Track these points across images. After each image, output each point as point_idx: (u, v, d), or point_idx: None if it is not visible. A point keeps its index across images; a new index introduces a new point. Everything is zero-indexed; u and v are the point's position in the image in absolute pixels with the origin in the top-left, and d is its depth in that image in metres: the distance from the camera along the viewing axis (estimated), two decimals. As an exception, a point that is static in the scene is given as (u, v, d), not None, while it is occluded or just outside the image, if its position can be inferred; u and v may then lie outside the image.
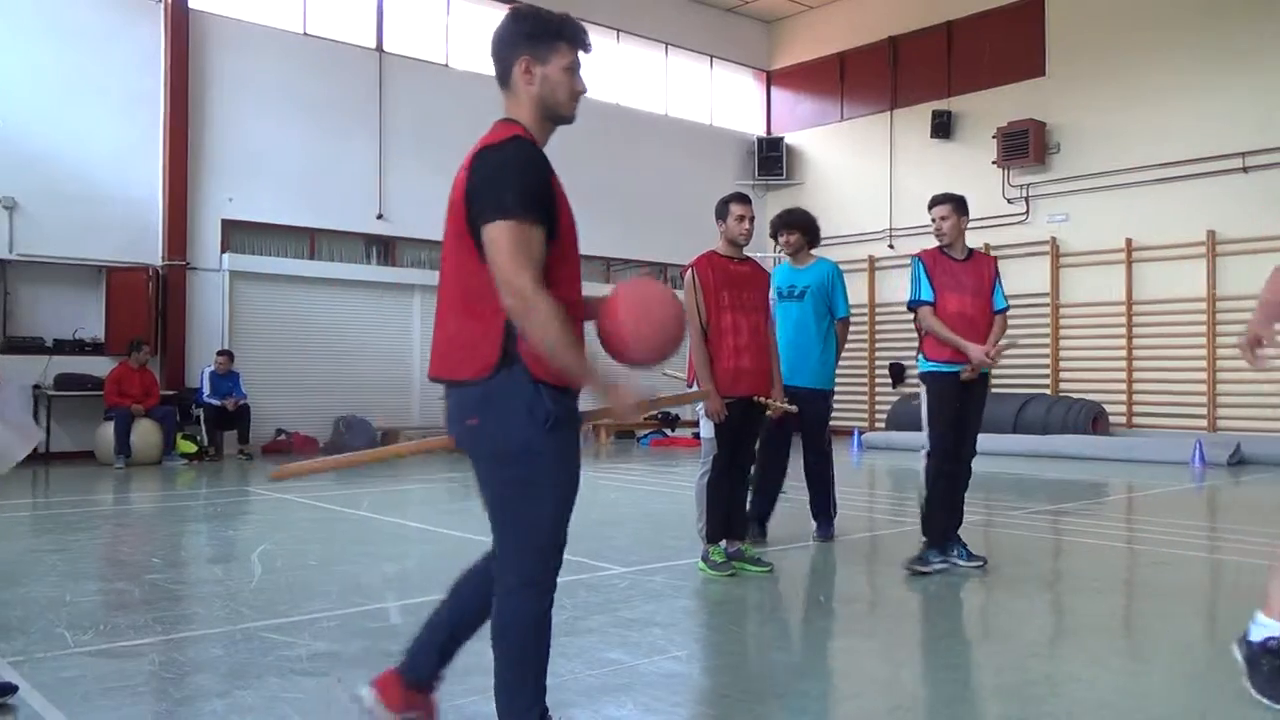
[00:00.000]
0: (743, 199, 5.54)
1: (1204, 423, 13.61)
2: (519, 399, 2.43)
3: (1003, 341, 5.50)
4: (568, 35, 2.59)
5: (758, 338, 5.43)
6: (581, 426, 2.63)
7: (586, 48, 2.63)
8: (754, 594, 5.01)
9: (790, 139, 19.08)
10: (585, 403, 2.57)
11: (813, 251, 6.56)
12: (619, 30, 17.24)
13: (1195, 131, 13.79)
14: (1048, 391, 14.91)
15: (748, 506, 5.84)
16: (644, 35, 17.89)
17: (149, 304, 12.84)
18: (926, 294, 5.49)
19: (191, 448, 12.14)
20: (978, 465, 5.71)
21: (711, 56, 19.04)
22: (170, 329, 12.99)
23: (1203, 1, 13.94)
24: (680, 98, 18.58)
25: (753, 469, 5.86)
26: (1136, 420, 14.33)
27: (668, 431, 15.77)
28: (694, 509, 5.63)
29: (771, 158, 18.88)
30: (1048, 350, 15.11)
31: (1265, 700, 3.13)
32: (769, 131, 19.53)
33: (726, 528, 5.41)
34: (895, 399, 16.16)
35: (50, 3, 12.43)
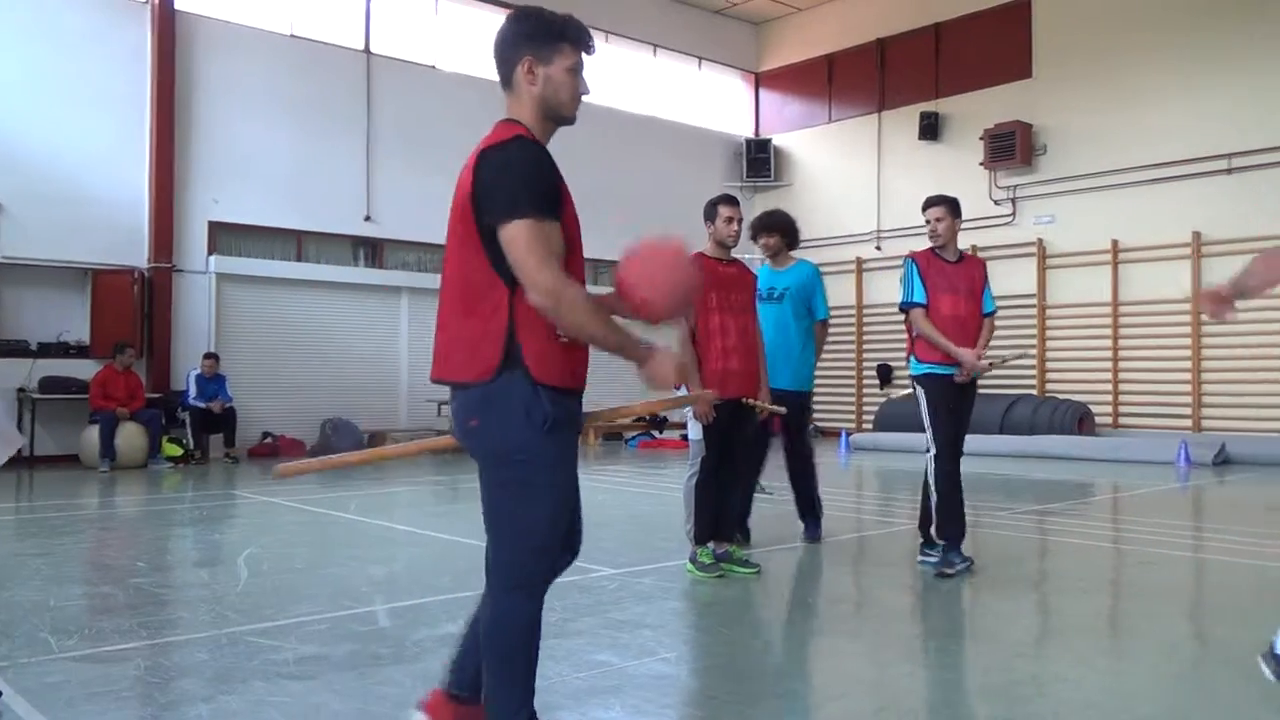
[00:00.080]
0: (731, 201, 5.55)
1: (1189, 423, 13.69)
2: (517, 400, 2.44)
3: (1005, 353, 5.51)
4: (571, 36, 2.60)
5: (746, 339, 5.43)
6: (583, 429, 2.63)
7: (589, 49, 2.65)
8: (742, 595, 5.02)
9: (778, 140, 19.12)
10: (585, 404, 2.58)
11: (793, 253, 6.58)
12: (607, 31, 17.24)
13: (1181, 133, 13.87)
14: (1034, 392, 14.97)
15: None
16: (632, 36, 17.90)
17: (135, 306, 12.77)
18: (919, 296, 5.49)
19: (177, 451, 12.08)
20: (965, 466, 5.71)
21: (699, 58, 19.07)
22: (156, 331, 12.93)
23: (1188, 4, 14.03)
24: (668, 99, 18.59)
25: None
26: (1122, 421, 14.41)
27: (656, 433, 15.77)
28: (682, 511, 5.63)
29: (759, 159, 18.91)
30: (1034, 351, 15.16)
31: None
32: (757, 133, 19.57)
33: (714, 529, 5.41)
34: (883, 400, 16.21)
35: (36, 4, 12.35)
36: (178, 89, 13.15)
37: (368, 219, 14.75)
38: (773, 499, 6.59)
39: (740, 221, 5.52)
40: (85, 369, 12.19)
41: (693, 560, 5.36)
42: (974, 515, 7.60)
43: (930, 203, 5.61)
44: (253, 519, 7.98)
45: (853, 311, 17.35)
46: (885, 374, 16.83)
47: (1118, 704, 3.28)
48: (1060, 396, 14.53)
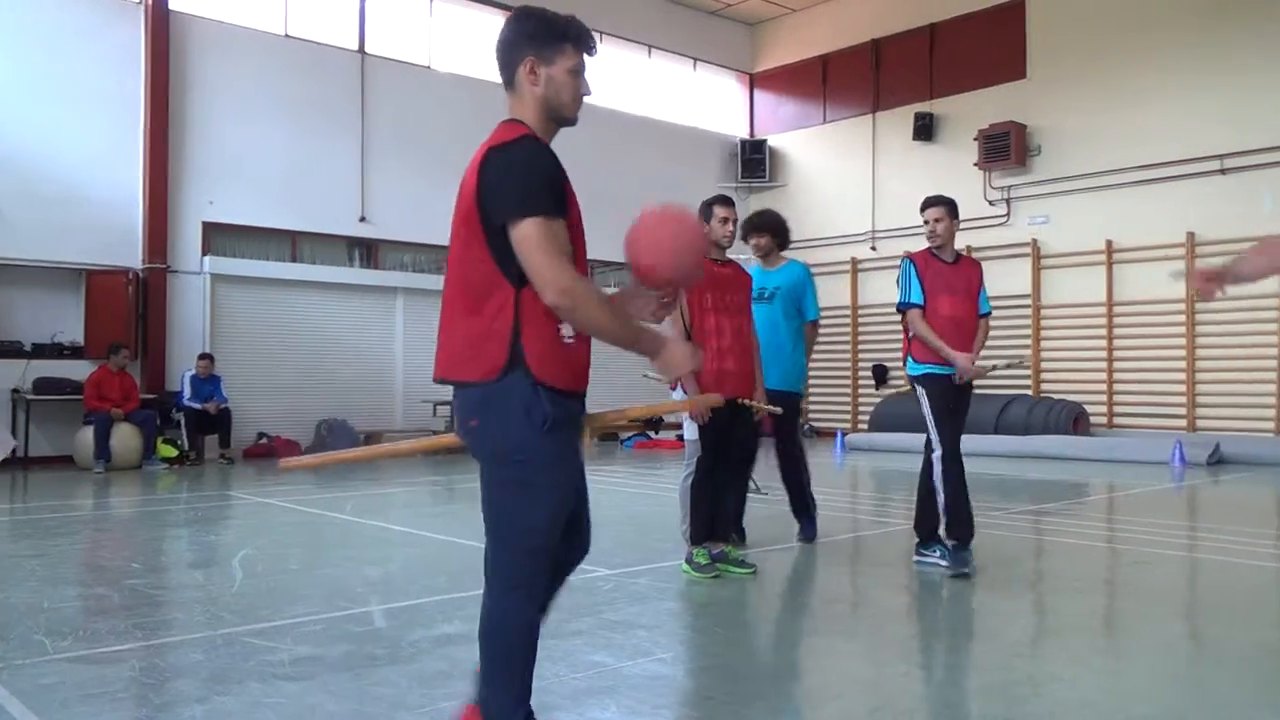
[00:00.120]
0: (726, 201, 5.56)
1: (1184, 423, 13.72)
2: (517, 400, 2.45)
3: (1000, 361, 5.52)
4: (573, 37, 2.60)
5: (741, 339, 5.44)
6: (585, 430, 2.63)
7: (591, 50, 2.65)
8: (738, 596, 5.02)
9: (773, 141, 19.13)
10: (587, 405, 2.58)
11: (784, 254, 6.57)
12: (601, 32, 17.22)
13: (1175, 133, 13.90)
14: (1029, 392, 14.99)
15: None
16: (626, 37, 17.89)
17: (129, 307, 12.75)
18: (917, 296, 5.48)
19: (172, 452, 12.05)
20: (960, 466, 5.73)
21: (694, 59, 19.07)
22: (150, 332, 12.90)
23: (1183, 5, 14.06)
24: (663, 100, 18.59)
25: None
26: (1117, 421, 14.43)
27: (651, 434, 15.77)
28: (678, 511, 5.63)
29: (754, 160, 18.92)
30: (1029, 351, 15.19)
31: None
32: (752, 134, 19.57)
33: (710, 530, 5.41)
34: (878, 400, 16.22)
35: (29, 4, 12.32)
36: (172, 89, 13.12)
37: (362, 220, 14.73)
38: (767, 499, 6.59)
39: (735, 222, 5.54)
40: (80, 370, 12.16)
41: (689, 560, 5.36)
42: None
43: (929, 203, 5.61)
44: (248, 520, 7.96)
45: (848, 312, 17.36)
46: (880, 374, 16.84)
47: (1114, 703, 3.28)
48: (1055, 397, 14.54)
